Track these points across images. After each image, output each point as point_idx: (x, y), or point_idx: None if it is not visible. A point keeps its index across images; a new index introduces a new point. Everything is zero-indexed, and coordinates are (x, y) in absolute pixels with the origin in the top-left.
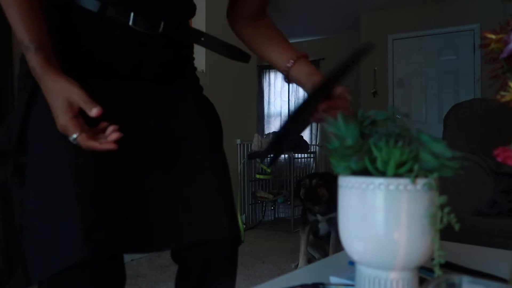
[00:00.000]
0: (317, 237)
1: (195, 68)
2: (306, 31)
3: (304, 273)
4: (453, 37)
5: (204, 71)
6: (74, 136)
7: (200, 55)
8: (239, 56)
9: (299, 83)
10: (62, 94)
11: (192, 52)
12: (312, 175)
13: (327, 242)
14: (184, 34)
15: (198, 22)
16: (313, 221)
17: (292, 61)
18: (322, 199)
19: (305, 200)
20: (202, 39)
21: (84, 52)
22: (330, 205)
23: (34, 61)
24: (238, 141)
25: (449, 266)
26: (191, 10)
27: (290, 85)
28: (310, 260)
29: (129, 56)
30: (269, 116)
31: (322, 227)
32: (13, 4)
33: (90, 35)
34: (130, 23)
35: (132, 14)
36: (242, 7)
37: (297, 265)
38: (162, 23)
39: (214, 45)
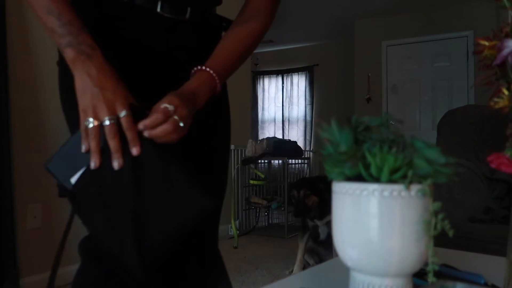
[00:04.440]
0: (317, 242)
1: None
2: (300, 37)
3: (298, 279)
4: (446, 44)
5: None
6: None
7: None
8: None
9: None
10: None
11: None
12: (300, 184)
13: (325, 247)
14: (209, 20)
15: None
16: (313, 226)
17: (195, 69)
18: (313, 206)
19: (296, 216)
20: (224, 24)
21: (116, 42)
22: (325, 207)
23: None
24: (232, 147)
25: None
26: None
27: (284, 91)
28: (305, 267)
29: (158, 40)
30: (263, 121)
31: (322, 232)
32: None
33: (120, 24)
34: (158, 9)
35: (160, 2)
36: (245, 5)
37: (292, 271)
38: (189, 9)
39: None
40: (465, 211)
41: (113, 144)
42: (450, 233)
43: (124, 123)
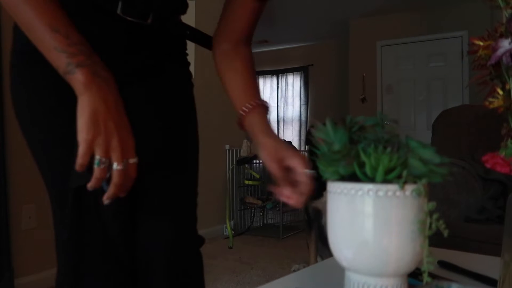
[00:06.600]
0: (322, 239)
1: (188, 64)
2: (295, 37)
3: (293, 279)
4: (441, 43)
5: (194, 77)
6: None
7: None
8: None
9: (251, 136)
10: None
11: (181, 49)
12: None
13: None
14: (172, 27)
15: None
16: (316, 213)
17: (250, 106)
18: None
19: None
20: (188, 32)
21: None
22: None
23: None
24: (227, 147)
25: (446, 266)
26: (182, 6)
27: (279, 91)
28: None
29: (118, 45)
30: None
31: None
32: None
33: (81, 23)
34: (118, 11)
35: (120, 3)
36: (230, 30)
37: (294, 270)
38: (151, 15)
39: (198, 39)
40: (460, 211)
41: (115, 190)
42: (445, 233)
43: (132, 170)
